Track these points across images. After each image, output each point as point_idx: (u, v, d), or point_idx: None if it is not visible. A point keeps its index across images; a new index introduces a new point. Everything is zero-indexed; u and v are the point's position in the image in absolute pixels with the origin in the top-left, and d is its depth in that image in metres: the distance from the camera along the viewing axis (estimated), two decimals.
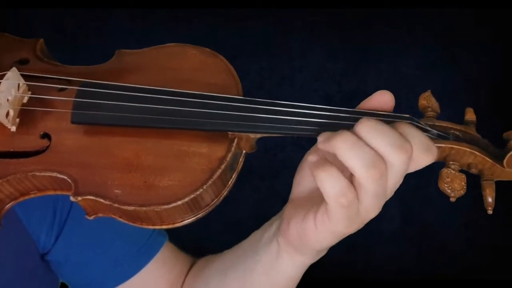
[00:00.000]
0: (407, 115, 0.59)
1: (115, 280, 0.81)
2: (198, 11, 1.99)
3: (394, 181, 0.54)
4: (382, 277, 2.00)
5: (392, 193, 0.56)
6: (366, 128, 0.53)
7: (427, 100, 0.63)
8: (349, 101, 1.77)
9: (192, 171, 0.57)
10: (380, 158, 0.52)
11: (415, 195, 1.96)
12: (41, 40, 0.70)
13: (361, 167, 0.52)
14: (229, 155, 0.58)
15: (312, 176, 0.54)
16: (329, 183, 0.52)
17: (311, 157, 0.57)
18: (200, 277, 0.81)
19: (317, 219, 0.56)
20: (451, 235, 2.02)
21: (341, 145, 0.52)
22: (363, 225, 0.57)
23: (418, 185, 1.93)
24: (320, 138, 0.55)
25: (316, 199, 0.57)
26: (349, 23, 2.03)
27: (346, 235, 0.58)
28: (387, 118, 0.58)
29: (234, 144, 0.59)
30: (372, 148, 0.52)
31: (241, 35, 1.99)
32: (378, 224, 2.05)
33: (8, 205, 0.61)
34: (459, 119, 0.63)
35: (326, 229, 0.56)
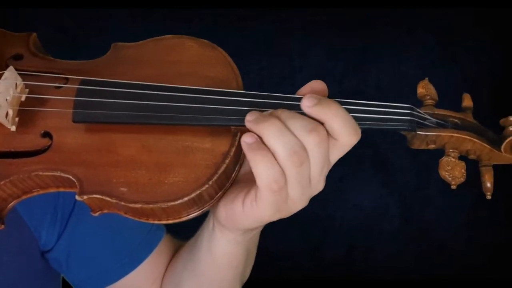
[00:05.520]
0: (407, 105, 0.60)
1: (115, 274, 0.81)
2: (198, 11, 1.98)
3: (316, 168, 0.55)
4: (382, 277, 2.00)
5: (319, 184, 0.56)
6: (286, 114, 0.55)
7: (426, 88, 0.63)
8: None
9: (196, 167, 0.57)
10: (301, 145, 0.53)
11: (415, 195, 1.96)
12: (34, 34, 0.68)
13: (284, 153, 0.53)
14: (233, 149, 0.58)
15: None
16: (264, 167, 0.53)
17: (246, 138, 0.55)
18: (171, 273, 0.82)
19: (245, 203, 0.57)
20: (451, 235, 2.02)
21: (267, 130, 0.53)
22: (289, 215, 0.58)
23: (418, 185, 1.92)
24: (248, 117, 0.55)
25: (248, 182, 0.58)
26: (349, 23, 2.03)
27: (272, 220, 0.58)
28: (386, 109, 0.59)
29: (237, 138, 0.58)
30: (294, 135, 0.53)
31: (241, 35, 1.98)
32: (378, 224, 2.06)
33: (10, 204, 0.61)
34: None
35: (252, 213, 0.56)
